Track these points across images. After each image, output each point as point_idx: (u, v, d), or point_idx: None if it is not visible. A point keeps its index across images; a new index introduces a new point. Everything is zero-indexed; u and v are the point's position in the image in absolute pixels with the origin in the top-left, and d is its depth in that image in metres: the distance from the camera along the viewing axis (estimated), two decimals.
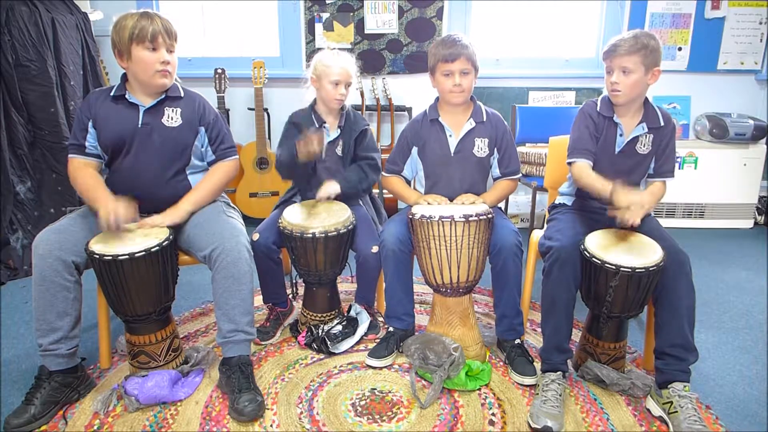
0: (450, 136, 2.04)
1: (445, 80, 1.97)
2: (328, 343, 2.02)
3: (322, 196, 2.05)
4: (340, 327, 2.07)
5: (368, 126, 2.23)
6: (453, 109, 2.05)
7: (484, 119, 2.05)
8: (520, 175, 2.13)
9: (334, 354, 2.03)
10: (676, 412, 1.61)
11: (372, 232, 2.08)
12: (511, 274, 1.90)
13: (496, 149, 2.06)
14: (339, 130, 2.16)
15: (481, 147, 2.04)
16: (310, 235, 1.94)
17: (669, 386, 1.66)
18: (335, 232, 1.96)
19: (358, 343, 2.10)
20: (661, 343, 1.71)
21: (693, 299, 1.70)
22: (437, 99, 2.10)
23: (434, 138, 2.06)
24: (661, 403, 1.68)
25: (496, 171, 2.10)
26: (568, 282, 1.74)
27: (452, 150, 2.04)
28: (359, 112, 2.40)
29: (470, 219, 1.82)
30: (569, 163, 1.92)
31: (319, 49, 3.64)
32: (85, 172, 1.85)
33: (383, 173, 2.19)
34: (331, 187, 2.06)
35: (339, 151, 2.17)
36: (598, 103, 1.91)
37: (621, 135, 1.88)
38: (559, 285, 1.74)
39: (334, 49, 2.17)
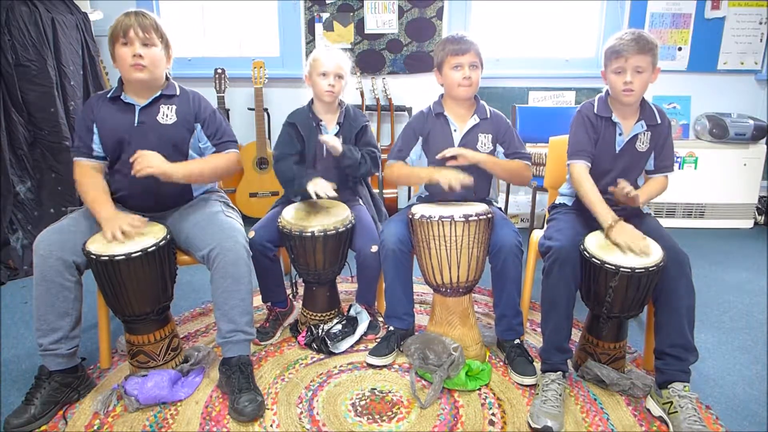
0: (455, 130, 2.05)
1: (455, 73, 1.97)
2: (328, 342, 2.02)
3: (325, 140, 2.03)
4: (339, 326, 2.07)
5: (368, 122, 2.22)
6: (458, 104, 2.05)
7: (488, 116, 2.06)
8: (530, 163, 2.09)
9: (334, 354, 2.03)
10: (676, 412, 1.61)
11: (372, 232, 2.08)
12: (510, 274, 1.90)
13: (499, 145, 2.07)
14: (338, 127, 2.16)
15: (485, 143, 2.04)
16: (309, 234, 1.94)
17: (669, 386, 1.66)
18: (334, 231, 1.96)
19: (357, 342, 2.10)
20: (661, 343, 1.71)
21: (693, 299, 1.70)
22: (441, 96, 2.10)
23: (439, 131, 2.06)
24: (661, 403, 1.68)
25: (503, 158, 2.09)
26: (568, 282, 1.74)
27: (456, 144, 2.04)
28: (359, 109, 2.38)
29: (470, 219, 1.82)
30: (569, 165, 1.92)
31: None
32: (91, 180, 1.84)
33: (388, 161, 2.15)
34: (336, 141, 2.04)
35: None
36: (595, 104, 1.92)
37: (621, 134, 1.88)
38: (558, 285, 1.74)
39: (327, 46, 2.18)
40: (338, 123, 2.16)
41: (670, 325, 1.70)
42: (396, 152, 2.13)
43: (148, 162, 1.73)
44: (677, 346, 1.68)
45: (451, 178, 1.87)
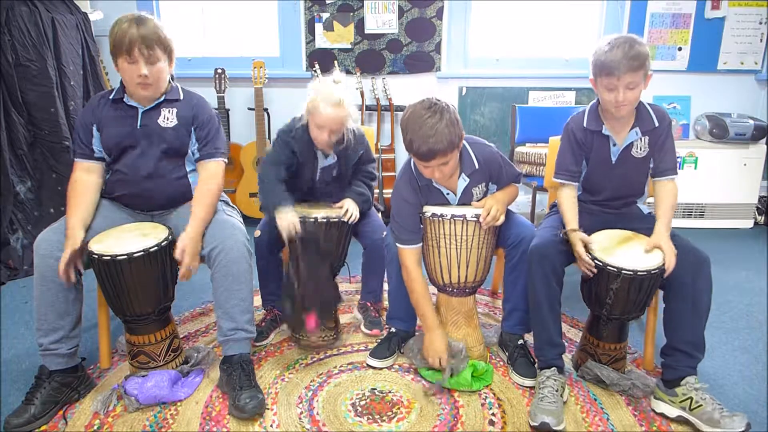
0: (447, 194, 1.92)
1: (427, 172, 1.79)
2: None
3: (351, 220, 1.99)
4: None
5: (366, 147, 2.10)
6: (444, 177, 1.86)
7: (477, 167, 1.88)
8: (519, 182, 2.06)
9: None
10: (700, 405, 1.60)
11: (379, 222, 2.09)
12: (526, 267, 1.88)
13: (492, 183, 1.98)
14: (335, 157, 2.06)
15: (478, 193, 1.94)
16: (313, 220, 1.94)
17: (682, 383, 1.66)
18: (336, 219, 1.96)
19: (360, 342, 2.10)
20: (673, 338, 1.71)
21: (710, 299, 1.71)
22: (415, 168, 1.88)
23: (435, 200, 1.92)
24: (678, 402, 1.66)
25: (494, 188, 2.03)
26: (548, 277, 1.75)
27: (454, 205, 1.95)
28: (361, 129, 2.13)
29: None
30: (555, 179, 1.93)
31: (320, 49, 3.66)
32: (81, 189, 1.81)
33: (397, 245, 1.91)
34: (355, 210, 2.00)
35: (335, 173, 2.09)
36: (585, 116, 1.87)
37: (615, 145, 1.85)
38: (537, 282, 1.76)
39: (339, 82, 1.92)
40: (336, 154, 2.05)
41: (686, 321, 1.70)
42: (405, 236, 1.89)
43: (191, 259, 1.73)
44: (689, 343, 1.69)
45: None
